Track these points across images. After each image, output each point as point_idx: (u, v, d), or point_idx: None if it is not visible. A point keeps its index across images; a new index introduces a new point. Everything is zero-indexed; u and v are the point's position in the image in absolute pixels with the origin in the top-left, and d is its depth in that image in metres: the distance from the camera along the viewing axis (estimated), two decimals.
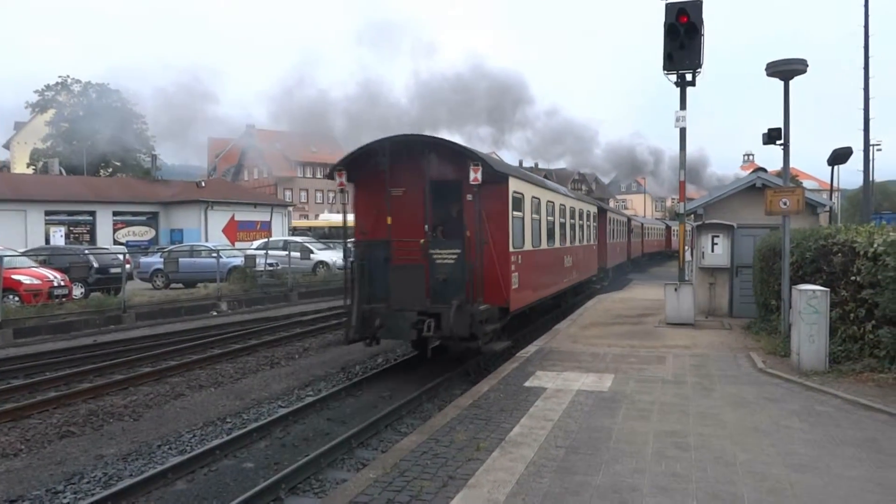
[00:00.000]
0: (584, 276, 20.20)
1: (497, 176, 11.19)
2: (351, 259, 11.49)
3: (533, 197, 13.58)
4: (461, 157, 11.08)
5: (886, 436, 6.39)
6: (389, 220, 11.27)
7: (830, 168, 18.07)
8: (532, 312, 14.33)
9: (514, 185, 11.94)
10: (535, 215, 13.71)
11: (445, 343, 10.90)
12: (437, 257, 11.01)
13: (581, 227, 19.34)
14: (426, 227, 11.16)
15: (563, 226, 16.65)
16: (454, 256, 10.89)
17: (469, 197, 11.08)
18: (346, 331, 11.13)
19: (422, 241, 11.07)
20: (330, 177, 11.81)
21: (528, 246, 13.00)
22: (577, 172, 79.97)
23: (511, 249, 11.69)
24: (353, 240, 11.78)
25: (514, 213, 11.95)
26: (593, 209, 22.40)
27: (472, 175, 10.53)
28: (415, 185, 11.29)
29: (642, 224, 43.67)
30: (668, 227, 54.17)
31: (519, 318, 13.00)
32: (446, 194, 11.58)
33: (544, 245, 14.59)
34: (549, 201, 15.07)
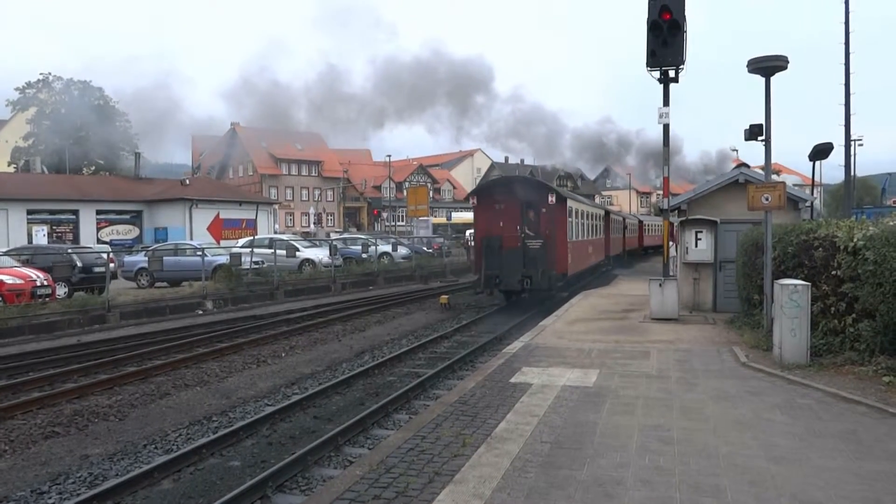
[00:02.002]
0: (598, 260, 27.80)
1: (561, 198, 19.48)
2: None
3: (576, 208, 21.51)
4: (539, 186, 20.11)
5: (865, 428, 6.50)
6: (501, 223, 19.23)
7: (812, 163, 18.29)
8: (574, 278, 21.52)
9: (569, 203, 20.24)
10: (576, 219, 21.40)
11: (532, 293, 19.20)
12: (529, 244, 18.92)
13: (595, 226, 26.70)
14: (518, 227, 19.02)
15: (587, 225, 24.15)
16: (539, 244, 18.84)
17: (544, 210, 19.01)
18: (476, 286, 19.85)
19: (521, 235, 18.93)
20: (465, 199, 21.31)
21: (574, 238, 20.74)
22: (562, 170, 79.95)
23: (568, 240, 19.59)
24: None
25: (569, 219, 19.93)
26: (601, 212, 29.93)
27: (549, 198, 18.99)
28: (511, 202, 19.21)
29: (640, 221, 48.72)
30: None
31: (569, 281, 20.43)
32: (527, 207, 19.11)
33: (580, 238, 22.22)
34: (582, 210, 22.94)
